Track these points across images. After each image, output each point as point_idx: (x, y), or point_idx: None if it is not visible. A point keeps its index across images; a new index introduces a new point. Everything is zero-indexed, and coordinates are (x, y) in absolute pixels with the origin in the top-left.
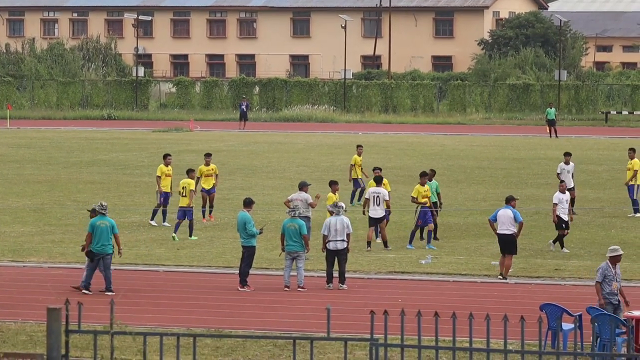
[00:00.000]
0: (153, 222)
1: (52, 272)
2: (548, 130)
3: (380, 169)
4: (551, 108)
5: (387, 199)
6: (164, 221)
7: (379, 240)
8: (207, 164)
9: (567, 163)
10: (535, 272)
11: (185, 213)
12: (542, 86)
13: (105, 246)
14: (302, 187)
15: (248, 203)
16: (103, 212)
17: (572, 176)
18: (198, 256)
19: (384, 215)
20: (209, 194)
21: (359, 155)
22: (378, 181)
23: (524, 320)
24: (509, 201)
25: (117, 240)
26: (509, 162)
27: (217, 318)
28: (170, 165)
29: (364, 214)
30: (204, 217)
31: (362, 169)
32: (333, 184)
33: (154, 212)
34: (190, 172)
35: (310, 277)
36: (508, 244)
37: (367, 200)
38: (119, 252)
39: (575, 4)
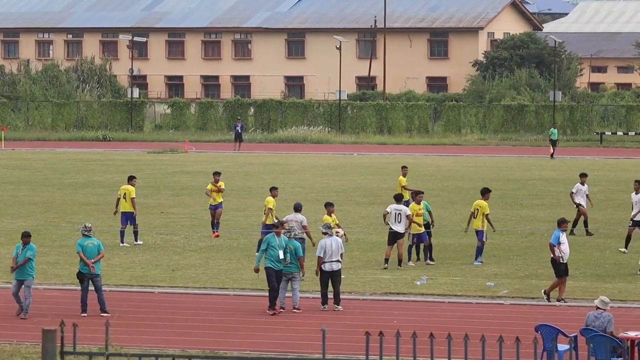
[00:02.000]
0: (125, 244)
1: (47, 293)
2: (552, 151)
3: (422, 193)
4: (554, 128)
5: (409, 213)
6: (135, 240)
7: (411, 263)
8: (216, 182)
9: (582, 184)
10: (530, 292)
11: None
12: (537, 107)
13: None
14: (297, 208)
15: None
16: (86, 233)
17: (587, 197)
18: (193, 277)
19: (404, 232)
20: (215, 209)
21: (404, 176)
22: (398, 199)
23: (520, 341)
24: (559, 224)
25: (98, 256)
26: (504, 183)
27: (213, 339)
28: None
29: (386, 224)
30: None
31: (405, 189)
32: (329, 206)
33: (122, 234)
34: (273, 190)
35: (305, 298)
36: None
37: (387, 213)
38: (91, 265)
39: (569, 24)
